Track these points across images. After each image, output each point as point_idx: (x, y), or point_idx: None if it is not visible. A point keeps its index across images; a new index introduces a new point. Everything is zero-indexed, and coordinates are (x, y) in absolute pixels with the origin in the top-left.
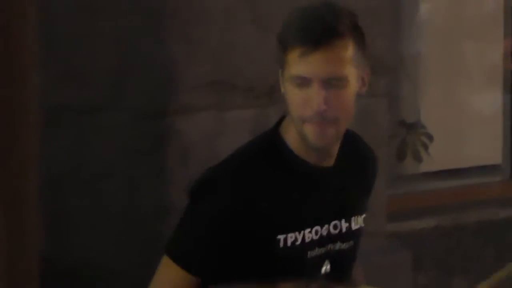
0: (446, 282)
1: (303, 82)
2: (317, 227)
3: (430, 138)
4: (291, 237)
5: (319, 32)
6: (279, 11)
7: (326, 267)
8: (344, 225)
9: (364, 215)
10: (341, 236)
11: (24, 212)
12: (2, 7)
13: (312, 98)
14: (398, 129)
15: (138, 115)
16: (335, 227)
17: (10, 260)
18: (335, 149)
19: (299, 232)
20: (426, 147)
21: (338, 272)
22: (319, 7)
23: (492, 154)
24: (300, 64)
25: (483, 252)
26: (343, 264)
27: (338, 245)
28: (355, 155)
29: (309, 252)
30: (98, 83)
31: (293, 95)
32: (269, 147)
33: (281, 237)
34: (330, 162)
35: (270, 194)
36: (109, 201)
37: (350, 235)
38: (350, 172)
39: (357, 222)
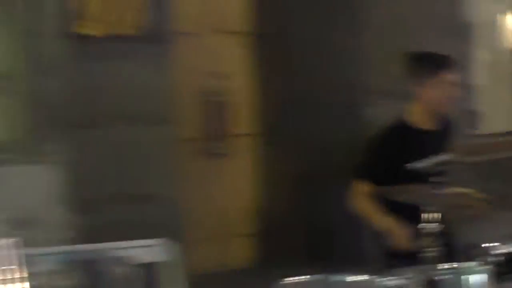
0: None
1: (451, 86)
2: (426, 159)
3: None
4: (414, 164)
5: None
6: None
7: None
8: (439, 158)
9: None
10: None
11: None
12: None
13: (454, 93)
14: None
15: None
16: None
17: (274, 166)
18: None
19: (417, 162)
20: None
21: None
22: (434, 53)
23: None
24: (451, 78)
25: None
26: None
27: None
28: (444, 122)
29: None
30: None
31: (442, 93)
32: (400, 123)
33: (409, 165)
34: (433, 127)
35: (402, 145)
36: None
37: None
38: (442, 132)
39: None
